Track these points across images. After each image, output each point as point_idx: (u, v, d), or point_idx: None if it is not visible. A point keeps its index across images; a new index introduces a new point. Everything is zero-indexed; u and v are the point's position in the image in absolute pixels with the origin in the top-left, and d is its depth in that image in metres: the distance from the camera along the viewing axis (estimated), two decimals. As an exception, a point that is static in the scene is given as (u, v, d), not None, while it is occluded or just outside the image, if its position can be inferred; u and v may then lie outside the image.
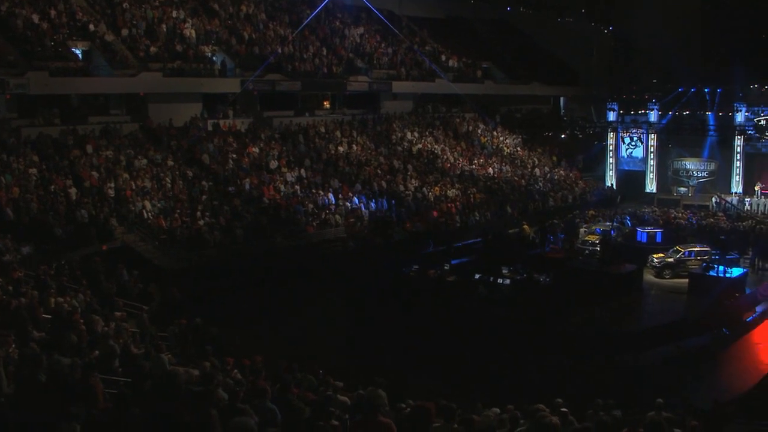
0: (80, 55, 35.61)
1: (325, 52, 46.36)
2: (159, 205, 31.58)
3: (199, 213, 31.71)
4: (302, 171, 38.63)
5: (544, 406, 11.25)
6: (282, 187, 36.37)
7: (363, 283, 30.23)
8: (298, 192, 36.64)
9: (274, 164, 38.05)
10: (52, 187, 29.76)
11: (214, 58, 40.21)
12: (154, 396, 8.59)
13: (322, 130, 44.19)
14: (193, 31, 40.11)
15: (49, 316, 16.24)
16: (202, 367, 13.07)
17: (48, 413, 8.15)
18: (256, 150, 38.68)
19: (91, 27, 36.24)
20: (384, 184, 40.54)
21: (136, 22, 38.27)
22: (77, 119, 35.82)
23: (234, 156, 37.30)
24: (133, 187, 31.92)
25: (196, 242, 30.17)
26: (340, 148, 42.87)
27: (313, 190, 37.21)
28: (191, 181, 34.26)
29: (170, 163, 34.97)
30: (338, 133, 44.48)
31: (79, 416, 7.96)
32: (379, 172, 41.92)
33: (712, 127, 52.39)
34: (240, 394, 9.62)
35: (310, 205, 35.70)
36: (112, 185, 31.54)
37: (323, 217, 35.44)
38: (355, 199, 37.47)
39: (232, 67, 40.48)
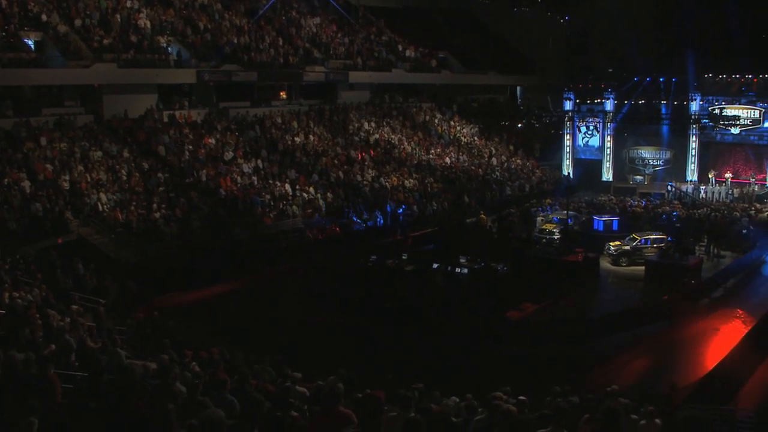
0: (33, 46, 35.18)
1: (281, 42, 46.23)
2: (114, 197, 31.38)
3: (155, 205, 31.57)
4: (259, 162, 38.58)
5: (501, 394, 11.51)
6: (239, 179, 36.29)
7: (321, 273, 30.34)
8: (255, 183, 36.58)
9: (230, 155, 37.91)
10: (6, 180, 29.42)
11: (169, 48, 39.90)
12: (111, 390, 8.60)
13: (279, 120, 44.11)
14: (147, 22, 39.73)
15: (4, 312, 16.11)
16: (160, 360, 13.05)
17: (5, 408, 8.13)
18: (212, 141, 38.53)
19: (44, 17, 35.81)
20: (341, 174, 40.61)
21: (90, 13, 37.78)
22: (30, 111, 35.41)
23: (190, 147, 37.13)
24: (88, 180, 31.66)
25: (153, 235, 30.08)
26: (297, 139, 42.84)
27: (270, 181, 37.14)
28: (147, 173, 34.03)
29: (126, 155, 34.72)
30: (295, 124, 44.43)
31: (37, 410, 7.96)
32: (336, 162, 41.99)
33: (666, 116, 53.13)
34: (199, 387, 9.63)
35: (267, 196, 35.67)
36: (67, 178, 31.26)
37: (281, 207, 35.43)
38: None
39: (188, 57, 40.24)
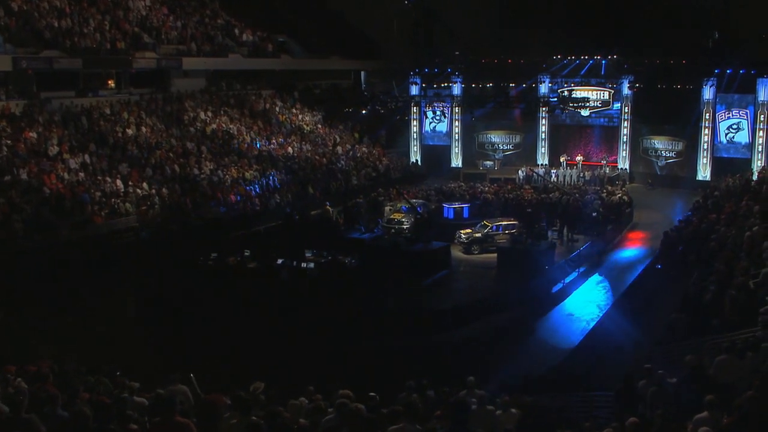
0: None
1: (107, 27, 43.60)
2: (-76, 200, 28.63)
3: (-30, 207, 28.99)
4: (87, 157, 36.32)
5: (349, 392, 11.75)
6: (65, 175, 34.02)
7: (157, 274, 28.97)
8: (83, 179, 34.41)
9: (54, 150, 35.46)
10: None
11: (-20, 33, 36.76)
12: None
13: (107, 111, 41.61)
14: (-45, 4, 36.55)
15: None
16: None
17: None
18: (33, 135, 35.87)
19: None
20: (177, 167, 38.96)
21: None
22: None
23: (8, 142, 34.36)
24: None
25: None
26: (128, 131, 40.59)
27: (100, 177, 35.04)
28: (-40, 172, 31.27)
29: (-66, 152, 31.76)
30: (125, 115, 42.06)
31: None
32: (171, 155, 40.24)
33: (515, 99, 53.57)
34: (23, 404, 9.07)
35: (98, 193, 33.66)
36: None
37: (113, 205, 33.58)
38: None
39: (1, 43, 37.04)
